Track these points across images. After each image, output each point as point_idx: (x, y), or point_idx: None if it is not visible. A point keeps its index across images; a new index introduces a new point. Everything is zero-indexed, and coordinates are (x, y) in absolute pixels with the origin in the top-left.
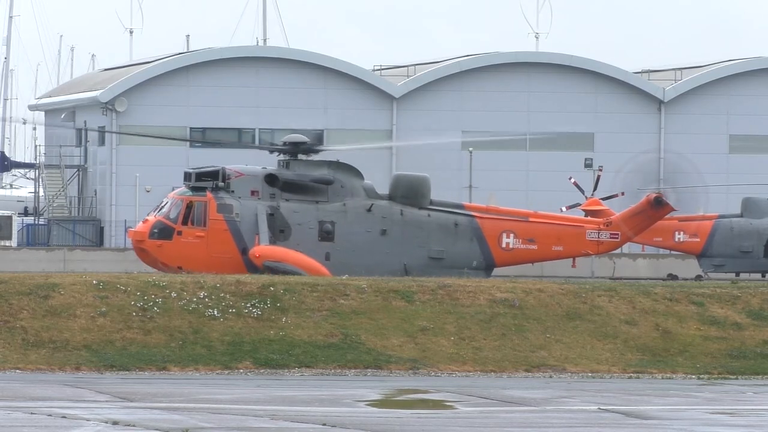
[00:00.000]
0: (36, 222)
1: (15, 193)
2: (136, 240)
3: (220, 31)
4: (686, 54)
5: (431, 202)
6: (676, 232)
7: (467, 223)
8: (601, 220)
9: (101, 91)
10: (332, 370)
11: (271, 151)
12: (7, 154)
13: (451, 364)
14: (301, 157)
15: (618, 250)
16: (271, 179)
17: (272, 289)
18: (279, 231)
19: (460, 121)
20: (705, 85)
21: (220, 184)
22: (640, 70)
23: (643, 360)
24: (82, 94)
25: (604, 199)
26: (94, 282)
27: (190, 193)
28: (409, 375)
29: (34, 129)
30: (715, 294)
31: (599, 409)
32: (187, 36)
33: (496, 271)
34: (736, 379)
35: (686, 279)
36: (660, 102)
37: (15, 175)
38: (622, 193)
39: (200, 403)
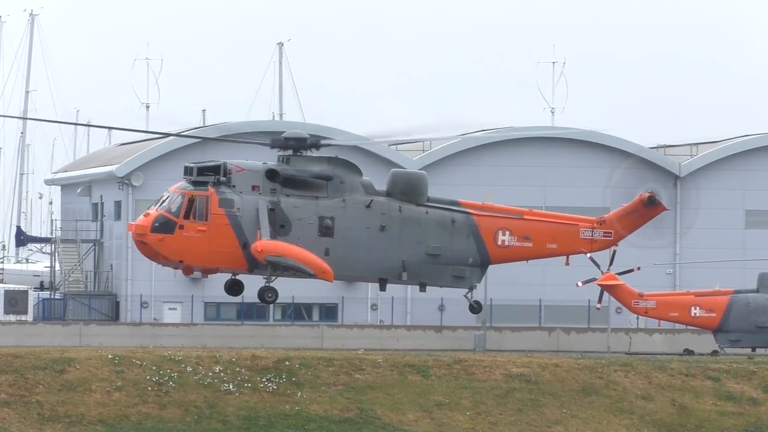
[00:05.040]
0: (52, 296)
1: (31, 267)
2: (137, 233)
3: (237, 104)
4: (702, 128)
5: (428, 199)
6: (693, 307)
7: (464, 220)
8: (595, 218)
9: (117, 165)
10: None
11: (272, 147)
12: (23, 228)
13: None
14: (301, 152)
15: (634, 325)
16: (271, 174)
17: (288, 363)
18: (279, 226)
19: (475, 195)
20: (721, 160)
21: (222, 178)
22: (656, 145)
23: None
24: (98, 169)
25: (620, 274)
26: (110, 356)
27: (192, 187)
28: None
29: (50, 204)
30: (731, 369)
31: None
32: (204, 110)
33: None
34: None
35: (702, 354)
36: (676, 177)
37: (31, 250)
38: (638, 268)
39: None
